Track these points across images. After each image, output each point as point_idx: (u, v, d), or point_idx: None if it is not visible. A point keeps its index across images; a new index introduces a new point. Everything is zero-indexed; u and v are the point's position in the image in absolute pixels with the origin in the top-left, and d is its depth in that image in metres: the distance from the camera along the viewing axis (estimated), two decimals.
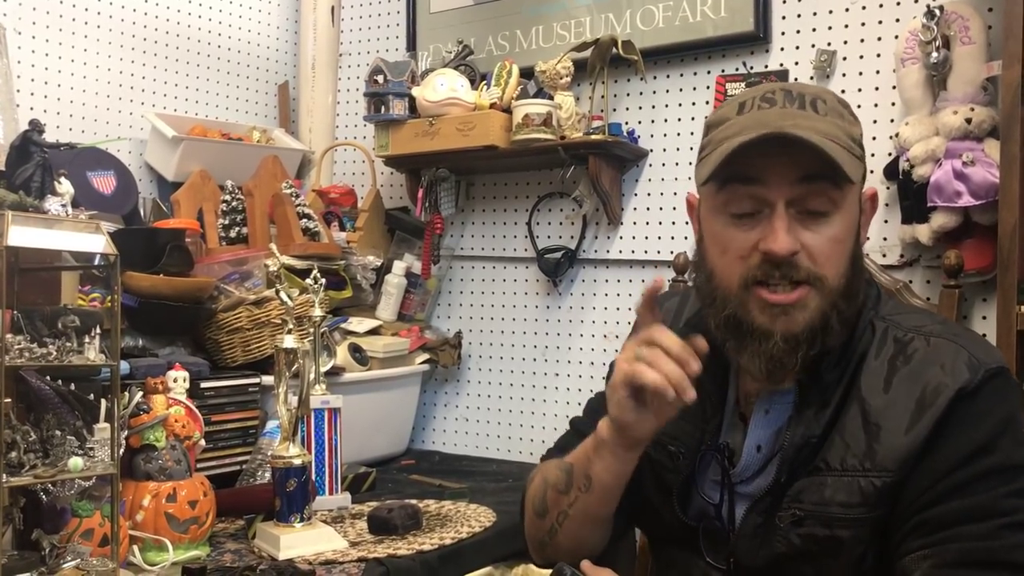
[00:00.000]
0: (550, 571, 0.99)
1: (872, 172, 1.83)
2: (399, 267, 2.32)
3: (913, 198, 1.70)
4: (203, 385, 1.69)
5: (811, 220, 0.97)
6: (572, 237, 2.22)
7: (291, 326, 1.50)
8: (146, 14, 2.31)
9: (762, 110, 0.99)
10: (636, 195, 2.15)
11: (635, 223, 2.15)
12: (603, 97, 2.09)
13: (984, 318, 1.73)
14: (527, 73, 2.16)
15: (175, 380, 1.56)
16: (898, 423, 0.95)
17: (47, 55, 2.10)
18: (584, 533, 1.11)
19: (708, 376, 1.08)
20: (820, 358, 1.00)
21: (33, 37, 2.07)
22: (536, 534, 1.16)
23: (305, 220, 2.13)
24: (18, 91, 1.99)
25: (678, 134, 2.09)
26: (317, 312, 1.72)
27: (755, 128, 0.96)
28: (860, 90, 1.87)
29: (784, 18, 1.96)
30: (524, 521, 1.20)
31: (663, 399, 0.98)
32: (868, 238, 1.08)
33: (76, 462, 1.17)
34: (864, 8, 1.87)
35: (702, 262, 1.05)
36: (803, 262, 0.96)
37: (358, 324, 2.20)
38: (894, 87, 1.80)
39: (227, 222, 2.13)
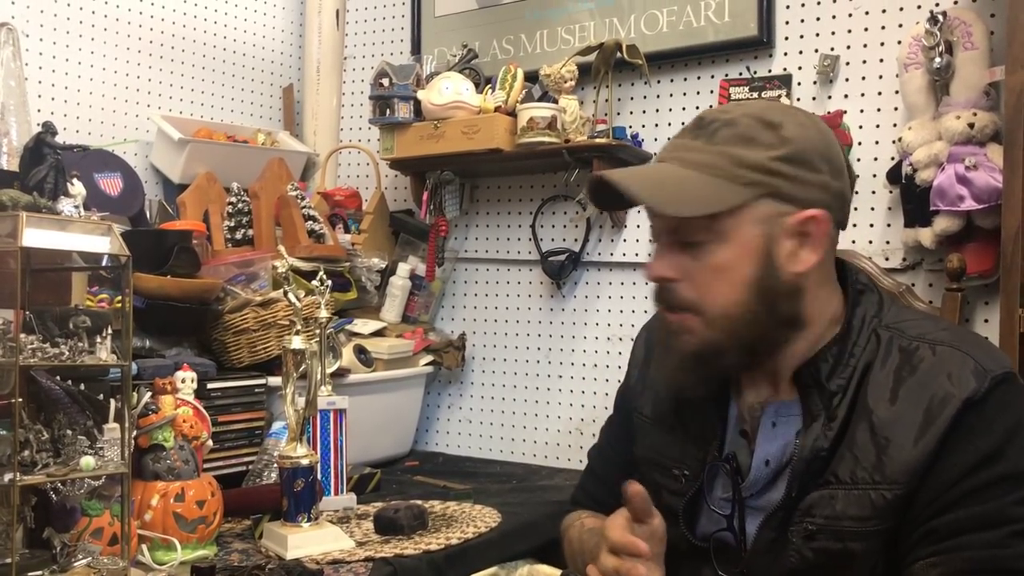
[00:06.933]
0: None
1: (875, 176, 1.85)
2: (403, 269, 2.32)
3: (916, 202, 1.71)
4: (210, 386, 1.70)
5: (690, 248, 1.01)
6: (576, 240, 2.23)
7: (299, 327, 1.51)
8: (152, 17, 2.32)
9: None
10: None
11: (639, 226, 2.16)
12: (607, 101, 2.10)
13: (986, 321, 1.74)
14: (532, 77, 2.17)
15: (183, 381, 1.57)
16: (906, 435, 0.95)
17: (54, 57, 2.11)
18: None
19: (708, 398, 1.10)
20: (817, 366, 1.01)
21: (40, 39, 2.08)
22: None
23: (310, 222, 2.14)
24: None
25: None
26: (323, 313, 1.74)
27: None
28: (863, 95, 1.88)
29: (787, 23, 1.97)
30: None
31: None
32: (816, 259, 1.00)
33: (88, 461, 1.18)
34: (867, 13, 1.88)
35: None
36: (682, 290, 1.01)
37: (363, 326, 2.21)
38: (897, 92, 1.81)
39: (233, 224, 2.14)
